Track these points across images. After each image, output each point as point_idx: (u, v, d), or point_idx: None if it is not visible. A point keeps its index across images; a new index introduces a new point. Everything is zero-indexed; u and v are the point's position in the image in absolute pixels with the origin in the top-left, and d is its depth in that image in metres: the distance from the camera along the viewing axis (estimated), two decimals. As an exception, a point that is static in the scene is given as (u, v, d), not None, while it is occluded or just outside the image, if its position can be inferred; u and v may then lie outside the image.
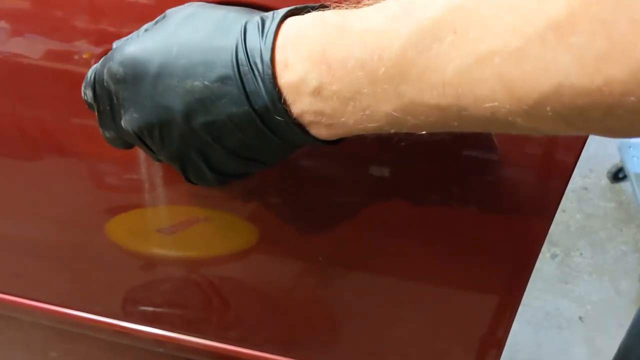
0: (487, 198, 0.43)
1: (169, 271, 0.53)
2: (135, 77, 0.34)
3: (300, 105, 0.32)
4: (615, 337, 0.61)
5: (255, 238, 0.47)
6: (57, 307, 0.56)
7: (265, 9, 0.35)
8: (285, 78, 0.32)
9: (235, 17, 0.34)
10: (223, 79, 0.32)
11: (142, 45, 0.34)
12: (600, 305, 1.59)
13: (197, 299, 0.53)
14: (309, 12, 0.33)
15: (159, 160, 0.39)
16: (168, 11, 0.36)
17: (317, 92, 0.31)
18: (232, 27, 0.33)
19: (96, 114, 0.38)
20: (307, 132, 0.33)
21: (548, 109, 0.25)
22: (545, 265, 1.67)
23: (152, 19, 0.39)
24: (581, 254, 1.71)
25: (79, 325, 0.57)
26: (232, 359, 0.55)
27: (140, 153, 0.44)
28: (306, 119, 0.33)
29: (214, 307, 0.53)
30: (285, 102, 0.32)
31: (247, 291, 0.52)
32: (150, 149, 0.37)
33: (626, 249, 1.72)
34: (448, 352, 0.52)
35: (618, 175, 1.89)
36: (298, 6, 0.34)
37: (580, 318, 1.56)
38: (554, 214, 0.42)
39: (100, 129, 0.39)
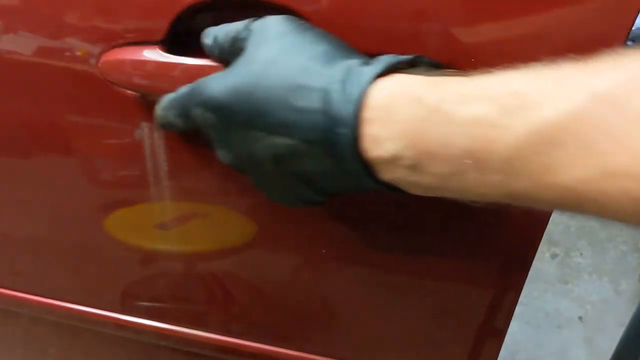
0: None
1: (169, 265, 0.53)
2: (224, 124, 0.35)
3: (392, 175, 0.31)
4: (615, 337, 0.61)
5: (254, 232, 0.48)
6: (58, 301, 0.57)
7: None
8: (376, 153, 0.31)
9: (320, 68, 0.32)
10: (309, 141, 0.32)
11: (228, 90, 0.34)
12: (600, 305, 1.59)
13: (198, 292, 0.53)
14: (401, 68, 0.31)
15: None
16: (252, 37, 0.35)
17: (413, 168, 0.30)
18: (315, 84, 0.32)
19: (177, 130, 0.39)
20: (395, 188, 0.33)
21: None
22: (545, 265, 1.67)
23: (149, 17, 0.40)
24: (581, 254, 1.71)
25: (79, 319, 0.57)
26: (234, 352, 0.55)
27: (141, 150, 0.45)
28: (399, 183, 0.32)
29: (214, 300, 0.53)
30: (375, 171, 0.32)
31: (248, 284, 0.52)
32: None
33: (626, 249, 1.72)
34: (447, 348, 0.52)
35: (618, 175, 1.89)
36: (391, 61, 0.32)
37: (579, 318, 1.56)
38: (552, 212, 0.42)
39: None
